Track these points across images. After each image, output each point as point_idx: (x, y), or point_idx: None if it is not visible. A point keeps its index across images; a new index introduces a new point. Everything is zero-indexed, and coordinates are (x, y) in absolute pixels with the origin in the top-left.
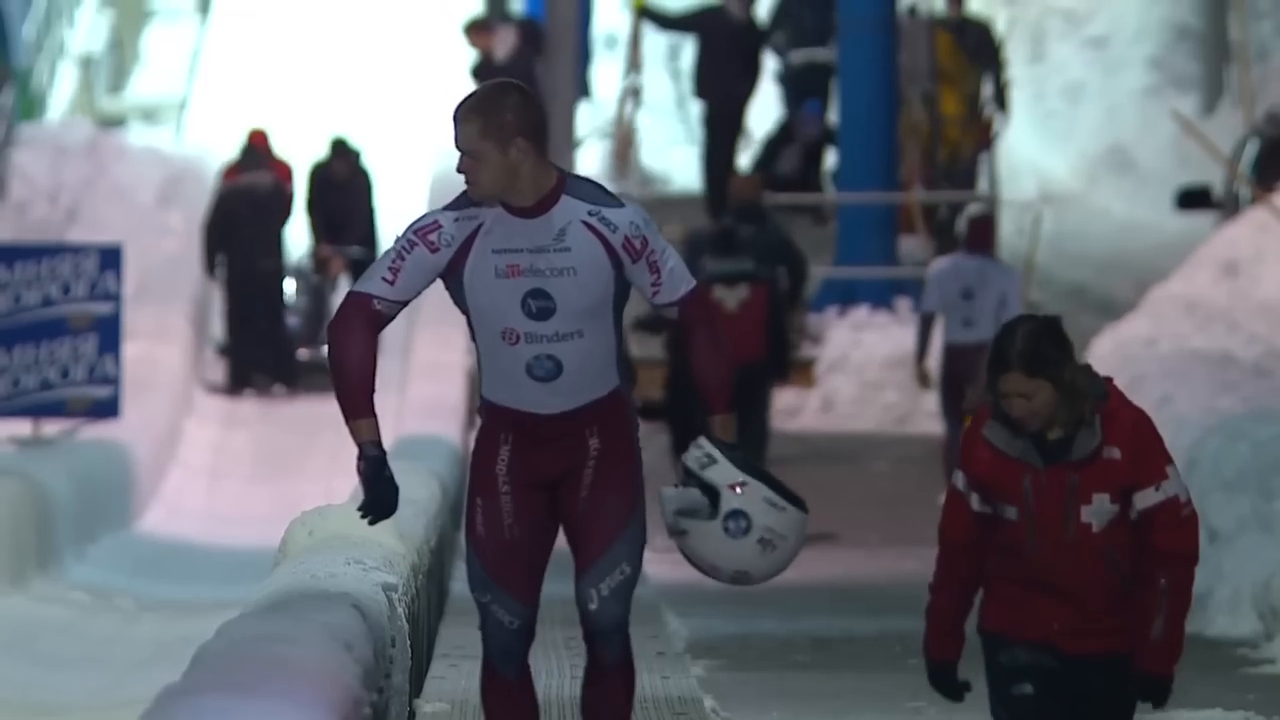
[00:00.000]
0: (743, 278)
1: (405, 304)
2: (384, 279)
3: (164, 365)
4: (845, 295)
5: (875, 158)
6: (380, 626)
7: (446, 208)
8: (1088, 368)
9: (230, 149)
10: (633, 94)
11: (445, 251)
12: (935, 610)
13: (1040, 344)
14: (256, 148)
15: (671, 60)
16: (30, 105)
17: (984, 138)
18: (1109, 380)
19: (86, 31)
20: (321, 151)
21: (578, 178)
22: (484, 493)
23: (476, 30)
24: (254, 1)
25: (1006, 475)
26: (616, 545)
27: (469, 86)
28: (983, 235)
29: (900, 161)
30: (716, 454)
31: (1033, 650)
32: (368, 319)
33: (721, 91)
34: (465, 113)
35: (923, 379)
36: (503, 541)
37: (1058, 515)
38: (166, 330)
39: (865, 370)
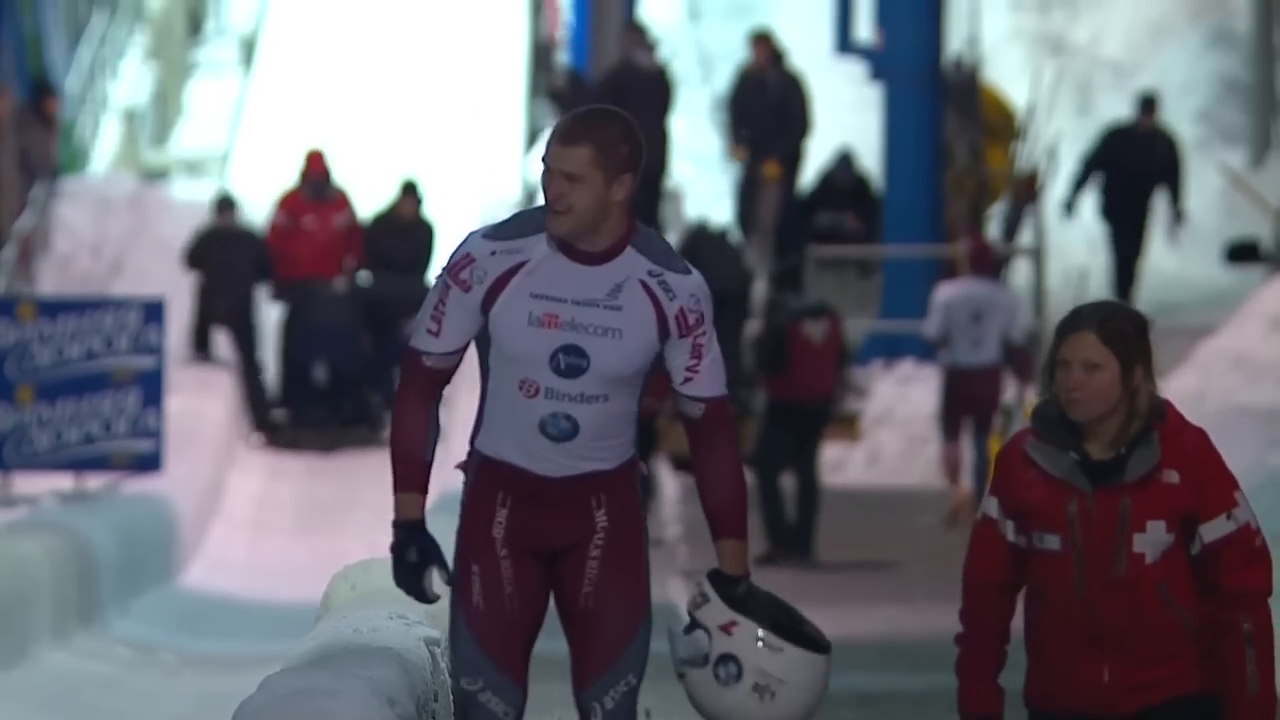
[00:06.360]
0: (823, 311)
1: (458, 353)
2: (429, 330)
3: (207, 419)
4: (891, 348)
5: (921, 211)
6: (423, 681)
7: (487, 234)
8: (1152, 387)
9: (273, 201)
10: None
11: (478, 289)
12: (967, 663)
13: (1124, 319)
14: (315, 171)
15: (716, 112)
16: (74, 158)
17: (1030, 191)
18: (1167, 401)
19: (130, 84)
20: (373, 200)
21: (649, 232)
22: (480, 558)
23: None
24: (297, 54)
25: (1049, 499)
26: (625, 657)
27: (510, 141)
28: (987, 259)
29: (946, 214)
30: (710, 591)
31: None
32: (421, 379)
33: None
34: (576, 132)
35: None
36: (502, 616)
37: (1108, 545)
38: (209, 384)
39: (911, 424)
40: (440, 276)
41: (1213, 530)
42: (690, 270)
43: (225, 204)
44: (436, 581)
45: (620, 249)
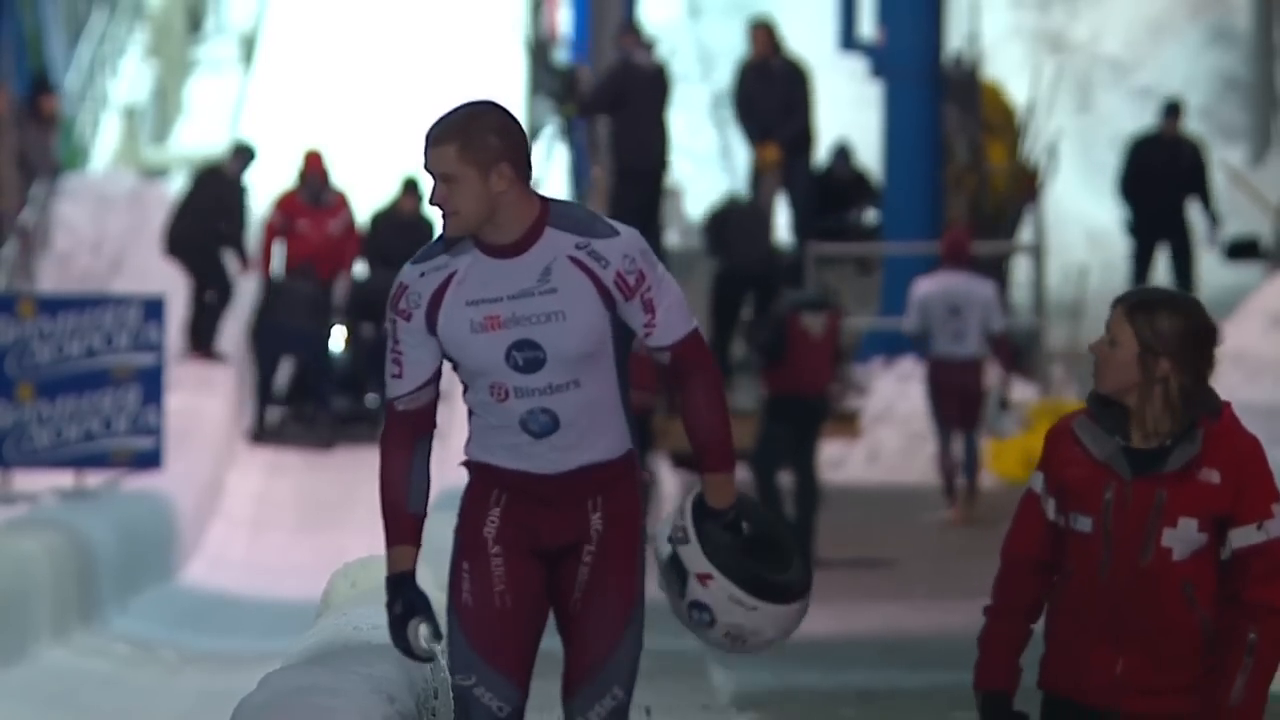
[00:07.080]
0: (822, 305)
1: (427, 387)
2: (393, 375)
3: (207, 416)
4: (891, 346)
5: (920, 208)
6: (423, 678)
7: (414, 260)
8: (1207, 385)
9: (273, 196)
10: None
11: (417, 314)
12: (991, 637)
13: (1165, 308)
14: (313, 171)
15: (716, 109)
16: (74, 155)
17: (1030, 189)
18: (1228, 404)
19: (130, 82)
20: (371, 199)
21: (564, 204)
22: (471, 556)
23: None
24: (297, 51)
25: (1088, 480)
26: (610, 664)
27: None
28: (963, 252)
29: (946, 211)
30: (691, 531)
31: (1096, 718)
32: (397, 427)
33: (635, 149)
34: (441, 133)
35: None
36: (492, 611)
37: (1138, 535)
38: (209, 381)
39: (911, 421)
40: (388, 316)
41: (1242, 537)
42: (618, 231)
43: (238, 151)
44: (424, 634)
45: (538, 233)
